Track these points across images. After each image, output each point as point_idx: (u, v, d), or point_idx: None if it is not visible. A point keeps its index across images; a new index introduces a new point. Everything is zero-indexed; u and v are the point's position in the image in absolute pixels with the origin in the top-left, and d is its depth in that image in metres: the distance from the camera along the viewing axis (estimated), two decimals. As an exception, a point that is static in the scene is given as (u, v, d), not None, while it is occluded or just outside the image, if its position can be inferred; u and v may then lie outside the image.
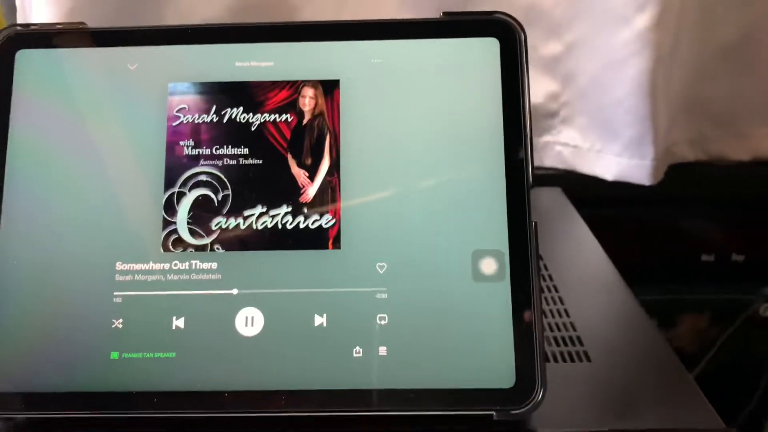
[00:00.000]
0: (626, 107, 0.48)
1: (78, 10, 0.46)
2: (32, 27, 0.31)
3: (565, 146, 0.54)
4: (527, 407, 0.26)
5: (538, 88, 0.52)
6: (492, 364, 0.27)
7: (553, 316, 0.35)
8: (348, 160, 0.29)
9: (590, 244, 0.44)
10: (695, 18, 0.49)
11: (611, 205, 0.59)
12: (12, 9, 0.50)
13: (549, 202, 0.50)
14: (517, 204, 0.28)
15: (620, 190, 0.55)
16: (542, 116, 0.53)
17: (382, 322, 0.27)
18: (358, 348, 0.27)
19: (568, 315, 0.35)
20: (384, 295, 0.28)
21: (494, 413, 0.26)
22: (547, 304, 0.36)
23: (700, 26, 0.50)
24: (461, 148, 0.29)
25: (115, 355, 0.27)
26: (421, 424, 0.27)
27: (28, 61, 0.30)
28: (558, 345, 0.33)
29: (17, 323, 0.28)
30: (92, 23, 0.31)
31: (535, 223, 0.28)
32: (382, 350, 0.27)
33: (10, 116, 0.29)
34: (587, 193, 0.53)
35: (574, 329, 0.34)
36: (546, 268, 0.40)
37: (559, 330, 0.34)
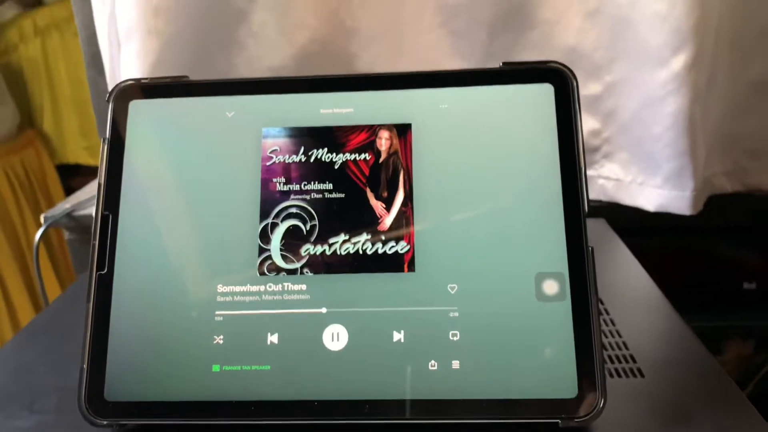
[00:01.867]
0: (665, 142, 0.51)
1: (160, 62, 0.51)
2: (143, 81, 0.35)
3: (607, 180, 0.57)
4: (590, 416, 0.29)
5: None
6: (556, 376, 0.30)
7: (606, 336, 0.38)
8: (420, 193, 0.32)
9: (635, 269, 0.46)
10: (728, 58, 0.52)
11: (653, 236, 0.61)
12: (100, 69, 0.55)
13: (594, 231, 0.52)
14: (574, 230, 0.31)
15: (660, 221, 0.58)
16: (587, 151, 0.56)
17: (455, 339, 0.30)
18: (433, 362, 0.30)
19: (620, 335, 0.38)
20: (456, 314, 0.31)
21: (559, 421, 0.29)
22: (605, 334, 0.39)
23: (732, 65, 0.53)
24: (522, 181, 0.32)
25: (216, 368, 0.31)
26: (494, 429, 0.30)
27: (139, 110, 0.34)
28: (612, 362, 0.35)
29: (131, 340, 0.31)
30: (172, 74, 0.35)
31: (592, 248, 0.31)
32: (455, 364, 0.30)
33: (124, 158, 0.34)
34: (629, 224, 0.56)
35: (627, 348, 0.36)
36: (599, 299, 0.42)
37: (612, 349, 0.37)
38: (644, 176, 0.54)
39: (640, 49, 0.51)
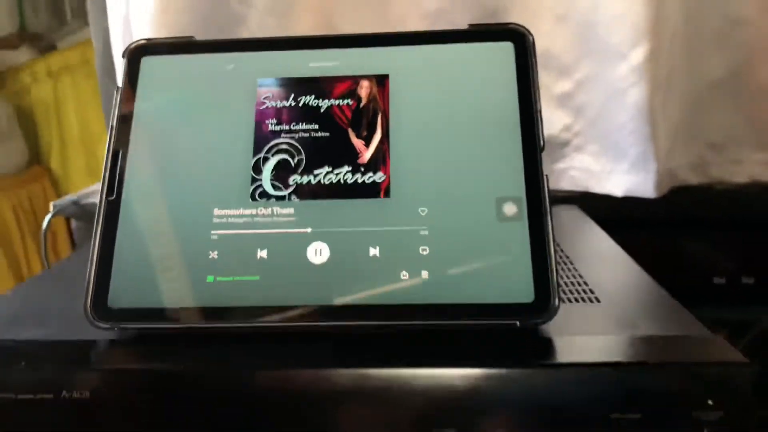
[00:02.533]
0: (630, 129, 0.56)
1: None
2: (153, 40, 0.40)
3: (579, 170, 0.61)
4: (544, 317, 0.32)
5: (553, 121, 0.60)
6: (515, 284, 0.33)
7: (568, 278, 0.41)
8: (395, 132, 0.37)
9: (603, 237, 0.50)
10: (684, 56, 0.57)
11: (625, 230, 0.65)
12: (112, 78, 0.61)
13: (567, 215, 0.56)
14: (531, 162, 0.35)
15: (632, 215, 0.62)
16: (558, 145, 0.61)
17: (424, 253, 0.34)
18: (404, 272, 0.34)
19: (582, 277, 0.41)
20: (425, 233, 0.34)
21: (518, 322, 0.32)
22: (569, 278, 0.42)
23: (690, 63, 0.58)
24: (486, 121, 0.36)
25: (210, 278, 0.34)
26: (458, 333, 0.33)
27: (150, 65, 0.39)
28: (573, 294, 0.39)
29: (135, 256, 0.35)
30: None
31: (547, 176, 0.35)
32: (425, 274, 0.34)
33: (135, 104, 0.38)
34: (601, 215, 0.60)
35: (587, 285, 0.40)
36: (568, 257, 0.46)
37: (573, 286, 0.40)
38: (612, 164, 0.58)
39: (603, 47, 0.56)
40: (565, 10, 0.58)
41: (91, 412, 0.31)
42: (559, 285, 0.33)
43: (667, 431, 0.29)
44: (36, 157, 1.65)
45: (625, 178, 0.57)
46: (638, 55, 0.54)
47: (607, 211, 0.61)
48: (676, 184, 0.61)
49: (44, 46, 1.71)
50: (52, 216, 0.62)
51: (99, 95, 0.75)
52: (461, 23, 0.52)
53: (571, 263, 0.44)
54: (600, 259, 0.46)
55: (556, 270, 0.33)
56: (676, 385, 0.29)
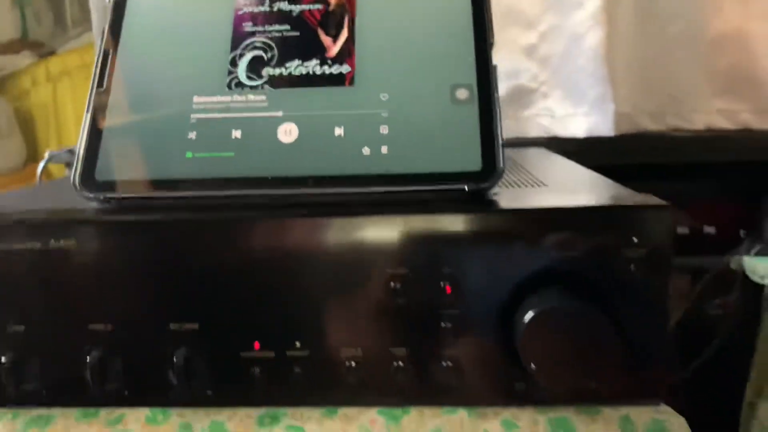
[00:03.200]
0: (588, 72, 0.60)
1: None
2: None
3: (545, 117, 0.65)
4: (490, 182, 0.36)
5: (521, 71, 0.64)
6: (465, 156, 0.36)
7: (526, 182, 0.45)
8: (360, 31, 0.40)
9: (565, 161, 0.53)
10: (641, 8, 0.62)
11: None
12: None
13: (534, 151, 0.60)
14: (482, 56, 0.39)
15: (603, 165, 0.65)
16: (525, 94, 0.65)
17: (384, 132, 0.38)
18: (366, 148, 0.37)
19: (539, 180, 0.45)
20: (386, 114, 0.38)
21: (466, 187, 0.36)
22: (523, 178, 0.45)
23: (648, 16, 0.62)
24: (443, 22, 0.40)
25: (189, 154, 0.38)
26: (416, 197, 0.36)
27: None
28: (524, 185, 0.42)
29: (122, 136, 0.38)
30: None
31: (495, 66, 0.39)
32: (384, 149, 0.37)
33: (126, 8, 0.42)
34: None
35: (541, 180, 0.43)
36: (529, 172, 0.49)
37: (528, 181, 0.43)
38: (574, 108, 0.62)
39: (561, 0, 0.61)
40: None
41: (77, 261, 0.34)
42: (502, 156, 0.36)
43: (600, 266, 0.33)
44: (34, 156, 1.68)
45: (585, 119, 0.61)
46: (594, 2, 0.58)
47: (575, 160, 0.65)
48: (636, 131, 0.64)
49: (45, 51, 1.77)
50: (46, 162, 0.65)
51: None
52: None
53: (530, 173, 0.48)
54: (558, 169, 0.50)
55: (502, 144, 0.36)
56: (607, 225, 0.33)
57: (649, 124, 0.65)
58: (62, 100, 1.68)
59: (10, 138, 1.61)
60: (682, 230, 0.71)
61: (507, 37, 0.64)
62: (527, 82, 0.65)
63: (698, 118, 0.65)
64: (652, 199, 0.34)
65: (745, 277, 0.62)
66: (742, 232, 0.68)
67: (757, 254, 0.64)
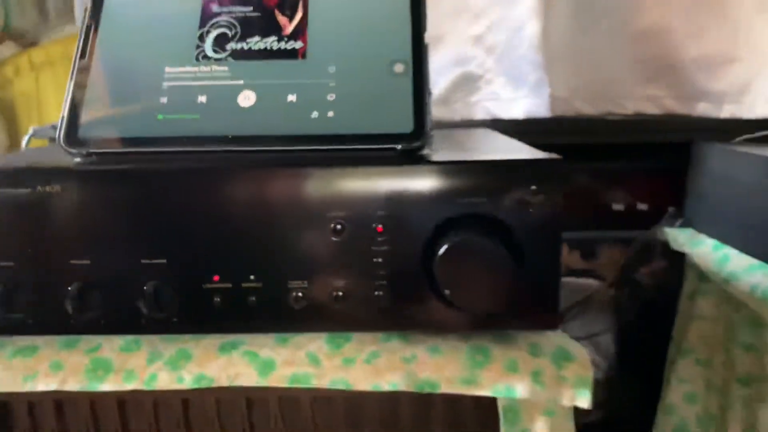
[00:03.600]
0: (528, 60, 0.66)
1: None
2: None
3: (490, 101, 0.71)
4: (421, 141, 0.42)
5: (469, 58, 0.71)
6: (399, 120, 0.43)
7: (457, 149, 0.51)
8: (312, 13, 0.46)
9: (503, 137, 0.60)
10: (575, 3, 0.68)
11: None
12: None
13: (479, 131, 0.66)
14: (417, 38, 0.45)
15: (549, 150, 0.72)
16: (473, 80, 0.71)
17: (331, 99, 0.44)
18: (315, 112, 0.43)
19: (470, 147, 0.51)
20: (333, 84, 0.44)
21: (399, 146, 0.42)
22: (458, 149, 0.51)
23: (582, 10, 0.69)
24: (385, 5, 0.46)
25: (160, 116, 0.43)
26: (357, 155, 0.42)
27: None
28: (457, 151, 0.48)
29: (103, 99, 0.44)
30: None
31: (427, 44, 0.45)
32: (330, 113, 0.43)
33: (105, -7, 0.48)
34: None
35: (473, 149, 0.50)
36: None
37: (461, 150, 0.50)
38: (515, 93, 0.69)
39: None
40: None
41: (61, 204, 0.40)
42: (430, 121, 0.42)
43: (506, 209, 0.39)
44: (16, 144, 1.72)
45: (524, 101, 0.68)
46: (529, -3, 0.65)
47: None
48: (572, 114, 0.71)
49: (27, 42, 1.80)
50: (30, 137, 0.70)
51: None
52: None
53: (464, 144, 0.54)
54: (490, 141, 0.56)
55: (430, 111, 0.43)
56: (511, 176, 0.39)
57: (585, 108, 0.72)
58: (45, 89, 1.71)
59: (-6, 128, 1.65)
60: (618, 207, 0.78)
61: (456, 28, 0.70)
62: (474, 69, 0.71)
63: (628, 104, 0.72)
64: (551, 156, 0.40)
65: (669, 246, 0.69)
66: (670, 209, 0.75)
67: (680, 226, 0.71)
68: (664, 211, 0.74)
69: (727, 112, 0.71)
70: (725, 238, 0.65)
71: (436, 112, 0.69)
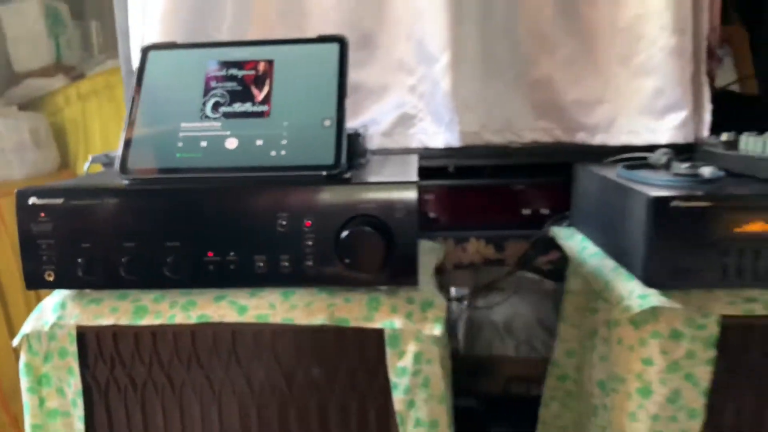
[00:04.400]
0: (444, 105, 0.91)
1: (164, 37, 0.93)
2: (155, 43, 0.76)
3: (421, 134, 0.96)
4: (338, 169, 0.67)
5: (406, 103, 0.96)
6: (326, 156, 0.68)
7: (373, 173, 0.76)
8: (275, 88, 0.73)
9: (411, 159, 0.85)
10: (482, 60, 0.93)
11: (465, 177, 1.00)
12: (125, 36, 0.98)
13: (407, 157, 0.91)
14: (340, 102, 0.71)
15: (473, 166, 0.97)
16: (409, 119, 0.97)
17: (284, 143, 0.70)
18: (273, 152, 0.69)
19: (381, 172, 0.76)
20: (285, 133, 0.70)
21: (325, 172, 0.67)
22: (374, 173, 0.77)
23: (487, 65, 0.94)
24: (323, 81, 0.72)
25: (179, 155, 0.70)
26: (300, 178, 0.68)
27: (153, 55, 0.76)
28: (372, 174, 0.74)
29: (143, 144, 0.71)
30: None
31: (345, 106, 0.70)
32: (283, 152, 0.69)
33: (144, 76, 0.74)
34: (440, 166, 0.95)
35: (382, 171, 0.75)
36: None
37: (375, 173, 0.75)
38: (437, 128, 0.94)
39: (429, 55, 0.92)
40: (409, 32, 0.94)
41: (118, 209, 0.66)
42: (346, 156, 0.68)
43: (385, 212, 0.64)
44: (66, 163, 2.02)
45: (443, 135, 0.93)
46: (445, 58, 0.90)
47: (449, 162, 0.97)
48: (484, 143, 0.96)
49: (75, 74, 2.11)
50: (90, 163, 0.98)
51: (120, 113, 1.05)
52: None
53: (384, 166, 0.79)
54: (401, 164, 0.81)
55: (345, 149, 0.68)
56: (386, 189, 0.64)
57: (493, 139, 0.96)
58: (90, 116, 2.02)
59: (47, 148, 1.96)
60: (526, 212, 1.02)
61: (397, 80, 0.96)
62: (410, 110, 0.96)
63: (526, 134, 0.97)
64: (408, 179, 0.65)
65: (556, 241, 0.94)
66: (568, 213, 0.99)
67: (567, 226, 0.96)
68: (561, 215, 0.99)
69: (599, 140, 0.96)
70: (588, 235, 0.89)
71: (383, 142, 0.96)
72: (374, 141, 0.99)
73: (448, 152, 0.96)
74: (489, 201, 1.01)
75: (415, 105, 0.97)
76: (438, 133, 0.95)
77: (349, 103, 0.93)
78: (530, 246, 0.97)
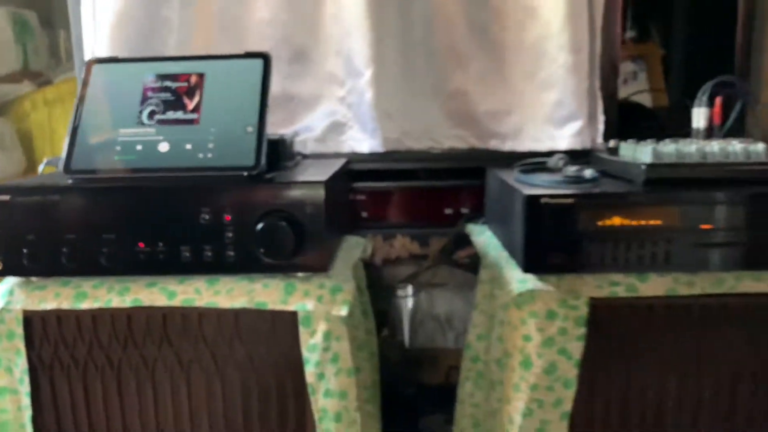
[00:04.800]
0: (369, 115, 1.01)
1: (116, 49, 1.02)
2: (98, 57, 0.85)
3: (350, 140, 1.06)
4: (258, 169, 0.77)
5: (337, 112, 1.06)
6: (248, 159, 0.78)
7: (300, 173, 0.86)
8: (204, 99, 0.82)
9: (334, 163, 0.94)
10: (402, 73, 1.03)
11: (395, 179, 1.10)
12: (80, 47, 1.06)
13: (336, 160, 1.00)
14: (262, 110, 0.80)
15: (403, 169, 1.06)
16: (340, 126, 1.06)
17: (211, 147, 0.79)
18: (201, 154, 0.78)
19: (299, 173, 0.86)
20: (212, 138, 0.79)
21: (246, 173, 0.77)
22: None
23: (407, 78, 1.04)
24: (246, 91, 0.82)
25: (117, 157, 0.79)
26: (225, 178, 0.77)
27: (97, 68, 0.84)
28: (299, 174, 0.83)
29: (85, 147, 0.79)
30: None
31: (268, 114, 0.80)
32: (210, 155, 0.78)
33: (88, 84, 0.83)
34: (369, 168, 1.05)
35: (307, 171, 0.84)
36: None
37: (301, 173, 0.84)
38: (363, 136, 1.04)
39: (356, 70, 1.02)
40: (338, 48, 1.04)
41: (62, 206, 0.75)
42: (265, 158, 0.77)
43: (298, 209, 0.73)
44: (32, 166, 2.09)
45: (368, 142, 1.03)
46: (369, 72, 1.00)
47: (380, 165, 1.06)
48: (405, 149, 1.06)
49: (42, 81, 2.18)
50: (45, 165, 1.06)
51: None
52: (281, 57, 0.98)
53: (311, 167, 0.89)
54: (324, 166, 0.91)
55: (264, 153, 0.78)
56: (297, 188, 0.74)
57: (414, 145, 1.07)
58: (56, 121, 2.09)
59: (13, 151, 2.03)
60: (449, 211, 1.12)
61: (328, 91, 1.06)
62: (340, 118, 1.06)
63: (444, 141, 1.07)
64: (319, 180, 0.75)
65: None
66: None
67: (482, 224, 1.06)
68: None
69: (508, 146, 1.06)
70: (494, 231, 1.00)
71: (317, 147, 1.06)
72: (309, 146, 1.08)
73: (380, 156, 1.06)
74: (415, 201, 1.11)
75: (345, 114, 1.06)
76: (364, 140, 1.04)
77: (285, 111, 1.04)
78: (448, 242, 1.07)
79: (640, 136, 0.95)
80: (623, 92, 1.37)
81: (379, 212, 1.10)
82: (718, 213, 0.75)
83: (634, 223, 0.75)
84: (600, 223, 0.75)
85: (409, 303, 1.47)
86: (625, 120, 1.14)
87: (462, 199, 1.12)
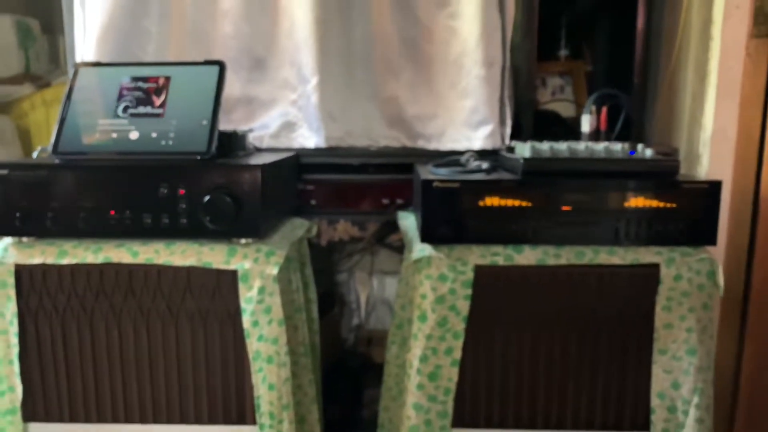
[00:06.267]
0: (314, 115, 1.20)
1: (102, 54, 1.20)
2: (84, 62, 1.04)
3: (300, 138, 1.25)
4: (209, 154, 0.95)
5: (290, 113, 1.24)
6: (201, 145, 0.96)
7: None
8: (169, 97, 1.00)
9: (278, 155, 1.12)
10: (344, 81, 1.22)
11: (337, 173, 1.28)
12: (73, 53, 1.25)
13: (290, 159, 1.19)
14: (216, 106, 0.99)
15: (344, 164, 1.25)
16: (291, 125, 1.25)
17: (172, 135, 0.97)
18: (163, 141, 0.97)
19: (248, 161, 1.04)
20: (173, 128, 0.98)
21: (199, 156, 0.95)
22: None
23: (348, 85, 1.22)
24: (204, 91, 1.00)
25: (95, 143, 0.97)
26: (182, 160, 0.95)
27: (82, 71, 1.03)
28: (239, 159, 1.01)
29: (71, 135, 0.98)
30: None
31: (219, 110, 0.98)
32: (171, 142, 0.96)
33: (75, 83, 1.02)
34: (317, 163, 1.23)
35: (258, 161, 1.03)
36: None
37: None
38: (310, 134, 1.22)
39: (305, 78, 1.21)
40: (291, 59, 1.23)
41: (51, 180, 0.93)
42: (216, 145, 0.96)
43: (237, 186, 0.92)
44: (29, 160, 2.27)
45: (313, 139, 1.21)
46: (315, 80, 1.18)
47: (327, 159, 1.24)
48: (348, 145, 1.24)
49: (42, 83, 2.37)
50: (39, 152, 1.24)
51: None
52: (243, 65, 1.16)
53: (255, 159, 1.07)
54: (270, 156, 1.09)
55: (216, 141, 0.96)
56: (240, 171, 0.92)
57: (355, 143, 1.25)
58: (53, 120, 2.27)
59: (12, 146, 2.21)
60: (386, 201, 1.30)
61: (282, 95, 1.24)
62: (292, 119, 1.25)
63: (381, 140, 1.25)
64: (257, 164, 0.93)
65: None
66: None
67: (409, 211, 1.24)
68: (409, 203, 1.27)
69: (433, 146, 1.25)
70: (414, 215, 1.18)
71: (272, 142, 1.24)
72: (265, 142, 1.27)
73: (326, 152, 1.24)
74: (356, 192, 1.29)
75: (296, 115, 1.25)
76: (311, 137, 1.23)
77: (246, 111, 1.23)
78: (380, 226, 1.25)
79: (552, 139, 1.13)
80: (553, 105, 1.56)
81: (326, 200, 1.28)
82: (575, 197, 0.93)
83: (509, 203, 0.93)
84: (481, 204, 0.93)
85: (365, 288, 1.66)
86: (541, 125, 1.33)
87: (396, 191, 1.29)
